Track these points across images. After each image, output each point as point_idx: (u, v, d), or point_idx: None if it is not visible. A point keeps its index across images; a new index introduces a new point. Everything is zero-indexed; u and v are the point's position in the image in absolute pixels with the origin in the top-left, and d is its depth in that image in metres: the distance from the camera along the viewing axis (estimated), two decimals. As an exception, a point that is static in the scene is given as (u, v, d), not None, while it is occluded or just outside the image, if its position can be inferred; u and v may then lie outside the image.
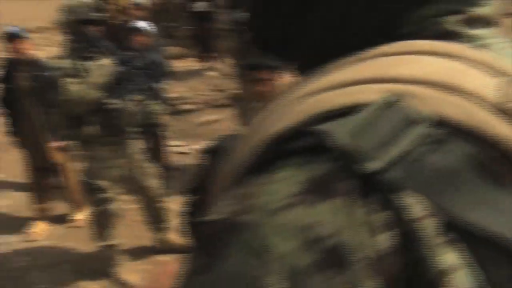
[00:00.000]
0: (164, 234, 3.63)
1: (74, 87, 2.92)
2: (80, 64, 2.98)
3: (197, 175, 0.52)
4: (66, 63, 2.98)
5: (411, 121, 0.28)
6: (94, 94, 2.97)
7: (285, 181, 0.29)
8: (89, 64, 3.00)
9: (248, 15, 0.46)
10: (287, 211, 0.27)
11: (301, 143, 0.30)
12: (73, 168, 4.19)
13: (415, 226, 0.26)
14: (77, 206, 4.26)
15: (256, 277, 0.27)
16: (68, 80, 2.94)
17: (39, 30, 10.79)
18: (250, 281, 0.27)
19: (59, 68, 2.98)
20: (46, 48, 10.86)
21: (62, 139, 3.36)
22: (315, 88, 0.34)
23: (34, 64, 3.89)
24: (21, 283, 3.48)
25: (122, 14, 4.78)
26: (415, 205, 0.26)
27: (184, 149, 5.59)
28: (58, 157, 4.00)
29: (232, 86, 6.17)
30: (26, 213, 4.29)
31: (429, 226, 0.26)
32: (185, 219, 0.51)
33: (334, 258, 0.26)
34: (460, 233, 0.26)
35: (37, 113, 3.89)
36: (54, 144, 3.90)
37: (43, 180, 4.14)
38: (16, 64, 3.88)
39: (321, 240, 0.26)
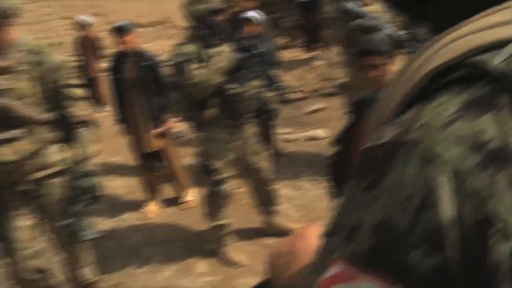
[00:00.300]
0: (273, 218, 3.71)
1: (198, 72, 3.08)
2: (203, 50, 3.14)
3: (342, 128, 0.56)
4: (191, 49, 3.14)
5: None
6: (217, 79, 3.11)
7: (445, 104, 0.34)
8: (212, 50, 3.16)
9: None
10: (449, 125, 0.32)
11: (458, 73, 0.35)
12: (176, 153, 4.43)
13: None
14: (183, 188, 4.49)
15: (429, 179, 0.32)
16: (193, 65, 3.10)
17: (151, 24, 11.42)
18: (423, 183, 0.32)
19: (183, 54, 3.13)
20: (157, 41, 11.52)
21: (182, 120, 3.53)
22: (468, 30, 0.37)
23: (139, 56, 4.13)
24: (135, 257, 3.73)
25: (234, 4, 4.93)
26: None
27: (291, 136, 5.66)
28: (160, 143, 4.23)
29: (340, 75, 6.11)
30: (140, 193, 4.60)
31: None
32: (330, 167, 0.55)
33: (499, 156, 0.30)
34: None
35: (140, 102, 4.14)
36: (156, 130, 4.14)
37: (149, 164, 4.39)
38: (123, 56, 4.16)
39: (485, 144, 0.30)
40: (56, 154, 2.56)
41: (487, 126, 0.31)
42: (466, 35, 0.37)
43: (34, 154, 2.46)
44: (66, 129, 2.57)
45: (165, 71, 3.79)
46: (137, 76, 4.07)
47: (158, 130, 4.14)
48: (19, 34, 2.45)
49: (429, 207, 0.31)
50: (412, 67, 0.40)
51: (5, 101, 2.35)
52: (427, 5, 0.45)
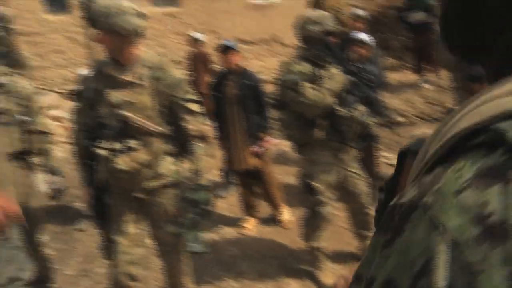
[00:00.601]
0: (367, 243, 3.62)
1: (310, 91, 3.12)
2: (317, 70, 3.18)
3: (389, 176, 0.57)
4: (304, 68, 3.20)
5: None
6: (328, 100, 3.12)
7: (462, 170, 0.34)
8: (324, 71, 3.18)
9: (443, 21, 0.48)
10: (459, 193, 0.32)
11: (480, 139, 0.34)
12: (272, 172, 4.46)
13: None
14: (278, 207, 4.51)
15: (431, 246, 0.32)
16: (306, 84, 3.14)
17: (259, 41, 11.70)
18: (426, 249, 0.32)
19: (296, 73, 3.18)
20: (264, 58, 11.78)
21: (284, 139, 3.57)
22: (498, 93, 0.36)
23: (241, 74, 4.23)
24: (230, 271, 3.79)
25: (344, 26, 4.92)
26: None
27: (394, 161, 5.49)
28: (257, 162, 4.27)
29: (448, 100, 5.85)
30: (238, 209, 4.69)
31: None
32: (375, 215, 0.56)
33: (497, 230, 0.29)
34: None
35: (240, 119, 4.23)
36: (253, 149, 4.20)
37: (246, 182, 4.46)
38: (226, 74, 4.28)
39: (486, 217, 0.30)
40: (170, 166, 2.67)
41: (492, 198, 0.31)
42: (496, 97, 0.36)
43: (149, 164, 2.58)
44: (181, 143, 2.67)
45: (268, 89, 3.86)
46: (238, 94, 4.18)
47: (255, 148, 4.22)
48: (142, 50, 2.62)
49: (427, 273, 0.32)
50: (447, 126, 0.40)
51: (126, 112, 2.50)
52: (487, 55, 0.44)
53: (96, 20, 2.42)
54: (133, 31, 2.47)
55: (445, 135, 0.39)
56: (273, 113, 3.93)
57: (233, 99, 4.20)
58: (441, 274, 0.31)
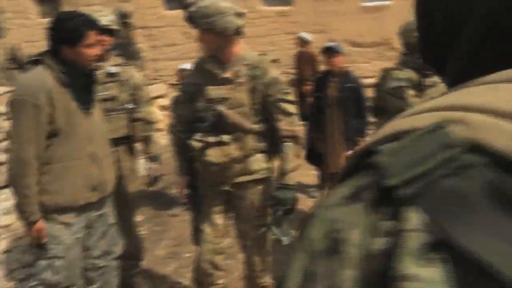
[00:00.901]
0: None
1: (414, 99, 3.03)
2: (421, 79, 3.08)
3: None
4: (409, 75, 3.11)
5: (445, 146, 0.30)
6: None
7: (345, 188, 0.35)
8: (428, 80, 3.07)
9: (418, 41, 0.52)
10: (332, 208, 0.34)
11: (367, 159, 0.35)
12: None
13: (403, 236, 0.29)
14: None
15: (295, 252, 0.36)
16: (410, 92, 3.06)
17: (370, 44, 11.44)
18: (293, 254, 0.36)
19: (401, 79, 3.11)
20: (374, 62, 11.49)
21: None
22: (414, 110, 0.37)
23: (344, 77, 4.20)
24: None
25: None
26: (413, 220, 0.29)
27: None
28: None
29: None
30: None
31: (414, 239, 0.28)
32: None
33: (336, 247, 0.32)
34: (451, 252, 0.27)
35: (338, 122, 4.17)
36: (349, 153, 4.10)
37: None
38: (329, 75, 4.28)
39: (336, 232, 0.32)
40: (260, 163, 2.72)
41: (346, 217, 0.32)
42: (413, 114, 0.37)
43: (240, 159, 2.66)
44: (273, 141, 2.72)
45: (370, 94, 3.78)
46: (338, 96, 4.15)
47: (351, 152, 4.14)
48: (243, 48, 2.71)
49: (284, 278, 0.35)
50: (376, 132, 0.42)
51: (222, 108, 2.61)
52: (448, 66, 0.46)
53: (197, 20, 2.54)
54: (232, 31, 2.55)
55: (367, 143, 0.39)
56: (372, 118, 3.84)
57: (334, 101, 4.19)
58: (293, 280, 0.34)
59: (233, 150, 2.62)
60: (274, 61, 2.76)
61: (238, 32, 2.58)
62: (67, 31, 2.44)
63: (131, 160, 3.41)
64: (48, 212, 2.56)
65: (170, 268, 3.92)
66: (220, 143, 2.61)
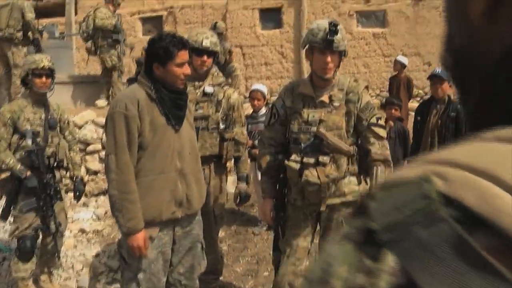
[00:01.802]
0: None
1: None
2: None
3: None
4: None
5: (422, 197, 0.33)
6: None
7: (348, 226, 0.37)
8: None
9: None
10: (332, 244, 0.37)
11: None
12: None
13: (376, 277, 0.31)
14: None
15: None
16: None
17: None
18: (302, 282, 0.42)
19: None
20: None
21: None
22: (417, 160, 0.38)
23: (447, 105, 4.13)
24: None
25: None
26: (387, 262, 0.32)
27: None
28: None
29: None
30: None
31: (385, 280, 0.31)
32: None
33: (326, 278, 0.35)
34: None
35: (436, 148, 4.03)
36: None
37: None
38: (432, 102, 4.26)
39: (329, 265, 0.35)
40: (352, 185, 2.74)
41: (338, 254, 0.35)
42: (413, 164, 0.38)
43: (335, 181, 2.68)
44: (364, 164, 2.74)
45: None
46: (438, 123, 4.08)
47: None
48: (339, 74, 2.79)
49: None
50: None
51: (321, 129, 2.65)
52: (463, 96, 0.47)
53: (337, 41, 2.60)
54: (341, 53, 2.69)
55: None
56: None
57: (434, 128, 4.11)
58: None
59: (331, 171, 2.66)
60: (366, 87, 2.83)
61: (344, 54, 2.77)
62: (158, 51, 2.56)
63: (220, 178, 3.47)
64: None
65: (248, 285, 3.93)
66: (318, 164, 2.65)
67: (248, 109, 7.66)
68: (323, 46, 2.59)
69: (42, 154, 3.60)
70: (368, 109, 2.69)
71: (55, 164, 3.72)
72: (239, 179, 3.61)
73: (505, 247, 0.30)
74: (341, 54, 2.68)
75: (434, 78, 4.20)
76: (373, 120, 2.69)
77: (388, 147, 2.76)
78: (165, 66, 2.57)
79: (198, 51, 3.23)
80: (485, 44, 0.42)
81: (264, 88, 5.04)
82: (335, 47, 2.59)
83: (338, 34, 2.58)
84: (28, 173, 3.53)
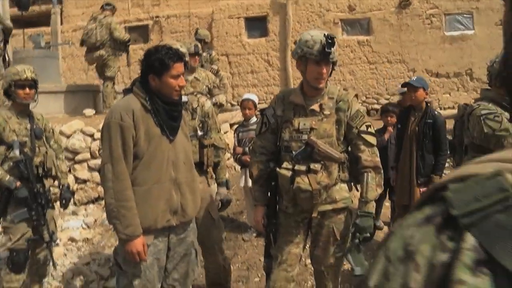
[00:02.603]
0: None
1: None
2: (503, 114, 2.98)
3: None
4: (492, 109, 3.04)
5: (499, 189, 0.39)
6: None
7: (419, 213, 0.44)
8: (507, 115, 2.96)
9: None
10: (408, 228, 0.43)
11: (440, 193, 0.45)
12: None
13: (460, 253, 0.38)
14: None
15: (377, 258, 0.45)
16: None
17: (450, 75, 11.10)
18: (375, 260, 0.46)
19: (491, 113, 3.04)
20: (454, 93, 11.12)
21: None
22: (482, 159, 0.46)
23: (424, 112, 4.16)
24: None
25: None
26: (468, 242, 0.38)
27: None
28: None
29: None
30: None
31: (468, 256, 0.37)
32: None
33: (409, 256, 0.41)
34: (496, 269, 0.36)
35: (415, 156, 4.13)
36: (421, 189, 4.06)
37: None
38: (410, 109, 4.30)
39: (411, 245, 0.42)
40: (342, 192, 2.77)
41: (417, 234, 0.42)
42: (486, 160, 0.45)
43: (327, 188, 2.71)
44: (355, 171, 2.78)
45: (450, 125, 3.70)
46: (417, 131, 4.13)
47: (422, 189, 4.07)
48: (328, 83, 2.83)
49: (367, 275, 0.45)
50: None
51: (312, 137, 2.69)
52: None
53: (333, 52, 2.65)
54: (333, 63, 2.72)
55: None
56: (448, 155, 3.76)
57: (412, 135, 4.16)
58: (374, 278, 0.44)
59: (322, 178, 2.69)
60: (356, 96, 2.85)
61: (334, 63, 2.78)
62: (154, 62, 2.60)
63: (205, 183, 3.50)
64: None
65: (240, 292, 3.95)
66: (310, 171, 2.69)
67: (237, 117, 7.72)
68: (319, 58, 2.64)
69: (30, 164, 3.58)
70: (358, 117, 2.73)
71: (43, 173, 3.71)
72: (219, 184, 3.65)
73: None
74: (334, 64, 2.74)
75: (407, 86, 4.24)
76: (363, 127, 2.72)
77: (378, 154, 2.78)
78: (161, 77, 2.61)
79: None
80: None
81: (254, 98, 5.10)
82: (331, 58, 2.66)
83: (335, 46, 2.65)
84: (18, 183, 3.51)
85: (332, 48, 2.62)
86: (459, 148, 3.53)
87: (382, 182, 2.76)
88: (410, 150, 4.20)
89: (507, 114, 2.92)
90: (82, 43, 7.32)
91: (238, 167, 5.93)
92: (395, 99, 8.43)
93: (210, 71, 6.63)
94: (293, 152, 2.73)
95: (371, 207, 2.72)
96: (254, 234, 4.82)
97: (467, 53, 10.86)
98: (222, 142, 3.62)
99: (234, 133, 5.16)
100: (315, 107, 2.75)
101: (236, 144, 4.90)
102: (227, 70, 11.65)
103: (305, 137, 2.72)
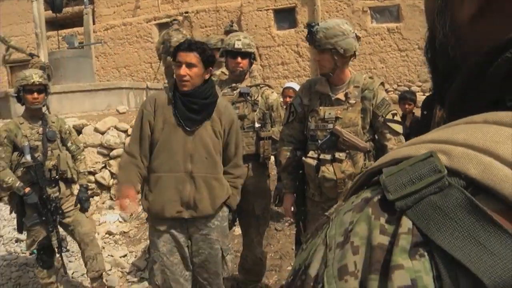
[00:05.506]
0: None
1: None
2: None
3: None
4: None
5: (432, 171, 0.39)
6: None
7: (356, 198, 0.44)
8: None
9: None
10: (347, 213, 0.43)
11: (375, 178, 0.45)
12: None
13: (397, 237, 0.38)
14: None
15: (316, 247, 0.44)
16: None
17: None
18: (313, 249, 0.44)
19: None
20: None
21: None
22: (414, 141, 0.46)
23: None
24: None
25: None
26: (404, 225, 0.38)
27: None
28: None
29: None
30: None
31: (404, 239, 0.37)
32: None
33: (347, 239, 0.41)
34: (432, 251, 0.37)
35: None
36: None
37: None
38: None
39: (348, 230, 0.41)
40: None
41: (356, 218, 0.41)
42: (413, 143, 0.45)
43: (352, 176, 2.71)
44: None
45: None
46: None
47: None
48: (353, 72, 2.84)
49: (307, 267, 0.44)
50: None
51: (337, 127, 2.70)
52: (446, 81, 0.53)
53: (319, 41, 2.66)
54: (351, 53, 2.69)
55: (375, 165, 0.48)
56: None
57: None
58: (315, 267, 0.42)
59: (347, 167, 2.71)
60: (382, 84, 2.84)
61: (355, 54, 2.73)
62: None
63: (260, 177, 3.50)
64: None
65: (272, 280, 4.00)
66: (335, 160, 2.71)
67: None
68: (314, 46, 2.76)
69: (40, 169, 3.59)
70: (383, 106, 2.73)
71: (57, 176, 3.70)
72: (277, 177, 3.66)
73: (505, 209, 0.36)
74: (340, 53, 2.69)
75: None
76: (389, 116, 2.72)
77: (405, 142, 2.79)
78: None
79: (231, 53, 3.35)
80: (473, 40, 0.48)
81: (296, 86, 5.14)
82: (319, 45, 2.69)
83: (321, 33, 2.65)
84: (27, 189, 3.53)
85: (316, 36, 2.65)
86: None
87: None
88: None
89: None
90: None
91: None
92: (427, 86, 8.29)
93: None
94: (319, 141, 2.75)
95: None
96: (287, 224, 4.85)
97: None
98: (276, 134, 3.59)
99: None
100: (340, 96, 2.76)
101: None
102: (258, 63, 11.67)
103: (330, 126, 2.73)
